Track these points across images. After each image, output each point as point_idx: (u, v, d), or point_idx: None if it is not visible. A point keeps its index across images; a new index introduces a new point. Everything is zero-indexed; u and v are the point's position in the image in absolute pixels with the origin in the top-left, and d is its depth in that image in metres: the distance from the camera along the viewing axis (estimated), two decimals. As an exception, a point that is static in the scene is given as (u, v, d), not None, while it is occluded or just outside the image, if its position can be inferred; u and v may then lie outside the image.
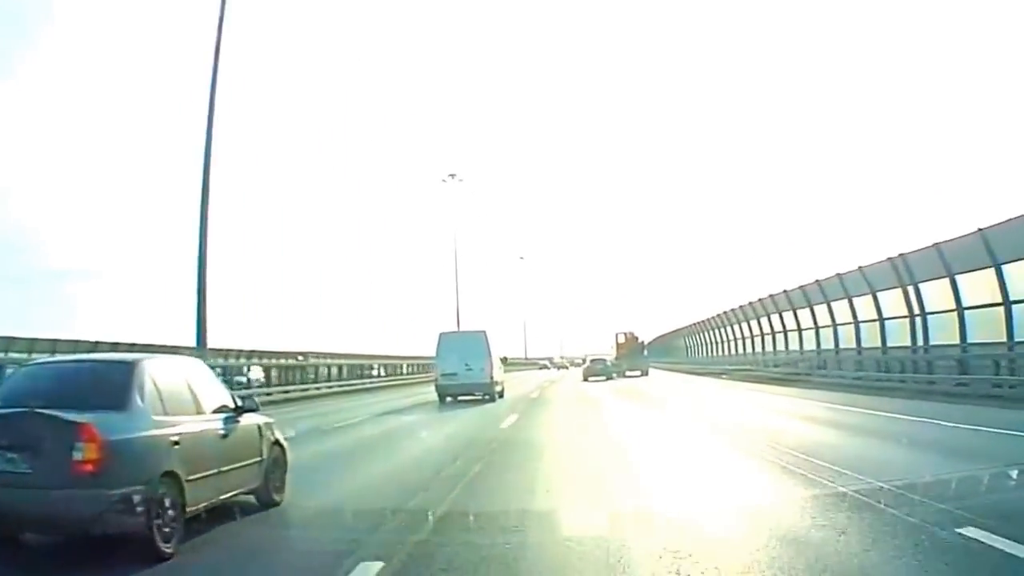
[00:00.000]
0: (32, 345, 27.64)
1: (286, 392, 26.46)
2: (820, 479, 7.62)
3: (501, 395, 25.60)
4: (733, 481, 8.42)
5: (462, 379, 23.36)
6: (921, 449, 9.95)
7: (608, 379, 42.32)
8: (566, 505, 7.20)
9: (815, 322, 31.20)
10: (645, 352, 54.72)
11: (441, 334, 24.31)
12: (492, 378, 23.54)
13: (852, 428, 13.10)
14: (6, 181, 72.33)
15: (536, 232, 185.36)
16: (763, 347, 39.54)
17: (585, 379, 42.86)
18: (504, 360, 27.18)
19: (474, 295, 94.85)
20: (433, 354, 24.75)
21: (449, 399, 23.70)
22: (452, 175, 47.87)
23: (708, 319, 51.29)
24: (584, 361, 51.14)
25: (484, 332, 24.19)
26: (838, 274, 25.79)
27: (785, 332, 35.22)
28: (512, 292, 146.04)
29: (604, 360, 48.08)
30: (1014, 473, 7.04)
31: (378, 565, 4.96)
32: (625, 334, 54.31)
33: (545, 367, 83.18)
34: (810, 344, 33.62)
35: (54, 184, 73.92)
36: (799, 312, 32.67)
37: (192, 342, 17.08)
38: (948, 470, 7.76)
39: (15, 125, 70.08)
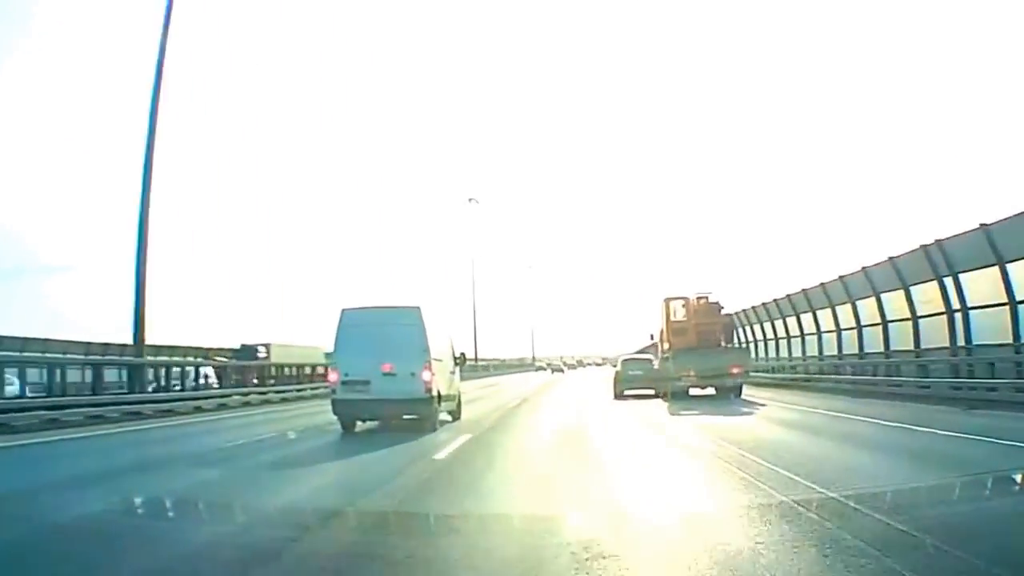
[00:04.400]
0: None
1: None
2: None
3: (455, 416, 15.74)
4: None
5: (377, 390, 13.38)
6: None
7: (657, 395, 23.51)
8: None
9: (858, 321, 23.95)
10: (736, 341, 28.16)
11: (344, 312, 14.23)
12: (431, 390, 13.50)
13: None
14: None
15: (543, 239, 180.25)
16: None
17: (619, 395, 24.34)
18: (461, 360, 17.01)
19: (486, 303, 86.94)
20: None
21: (360, 423, 13.97)
22: (472, 199, 51.87)
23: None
24: (603, 361, 35.89)
25: (418, 309, 14.08)
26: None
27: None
28: (521, 297, 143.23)
29: (648, 360, 27.02)
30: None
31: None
32: (686, 301, 24.49)
33: (541, 368, 75.40)
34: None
35: None
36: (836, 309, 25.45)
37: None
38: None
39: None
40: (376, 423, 14.20)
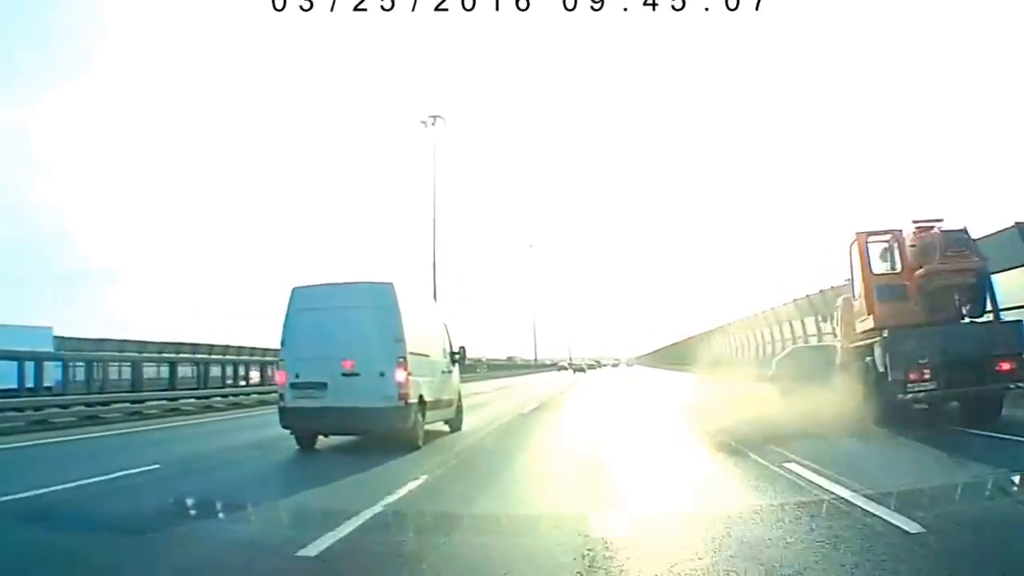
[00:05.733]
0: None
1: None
2: None
3: (454, 427, 12.52)
4: None
5: (336, 396, 10.02)
6: None
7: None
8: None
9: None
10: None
11: (294, 291, 10.89)
12: (407, 395, 10.08)
13: None
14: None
15: (545, 225, 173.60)
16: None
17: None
18: (459, 355, 13.35)
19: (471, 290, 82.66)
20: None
21: (320, 438, 10.71)
22: (436, 116, 37.07)
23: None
24: (618, 362, 28.89)
25: (390, 285, 10.63)
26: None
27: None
28: (520, 286, 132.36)
29: (821, 349, 18.03)
30: None
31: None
32: (897, 238, 12.41)
33: (563, 368, 74.03)
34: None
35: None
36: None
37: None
38: None
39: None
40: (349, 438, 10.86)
